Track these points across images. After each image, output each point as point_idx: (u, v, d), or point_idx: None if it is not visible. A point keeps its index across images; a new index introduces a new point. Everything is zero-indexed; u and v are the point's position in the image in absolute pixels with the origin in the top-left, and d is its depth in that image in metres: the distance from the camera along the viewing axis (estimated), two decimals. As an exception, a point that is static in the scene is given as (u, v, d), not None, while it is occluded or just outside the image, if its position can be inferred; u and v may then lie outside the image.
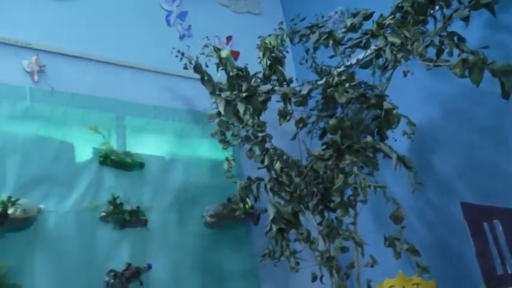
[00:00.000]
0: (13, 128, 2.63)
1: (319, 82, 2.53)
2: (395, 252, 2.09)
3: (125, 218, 2.72)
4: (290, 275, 3.12)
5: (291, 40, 2.62)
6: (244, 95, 2.37)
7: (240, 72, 2.54)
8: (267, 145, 2.47)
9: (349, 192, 2.37)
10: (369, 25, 2.42)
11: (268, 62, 2.50)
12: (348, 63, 2.63)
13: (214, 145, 3.20)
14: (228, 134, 2.59)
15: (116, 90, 3.05)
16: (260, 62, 2.58)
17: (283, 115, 2.43)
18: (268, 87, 2.52)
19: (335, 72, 2.44)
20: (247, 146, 2.64)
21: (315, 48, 2.56)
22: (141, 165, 2.92)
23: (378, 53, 2.37)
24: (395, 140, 2.39)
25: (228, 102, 2.42)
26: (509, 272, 1.91)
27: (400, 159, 2.16)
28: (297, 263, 2.33)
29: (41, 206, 2.53)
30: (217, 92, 2.69)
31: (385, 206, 2.24)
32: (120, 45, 3.19)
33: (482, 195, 2.37)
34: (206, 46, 2.72)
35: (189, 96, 3.31)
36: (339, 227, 2.41)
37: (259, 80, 2.53)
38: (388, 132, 2.47)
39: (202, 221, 3.02)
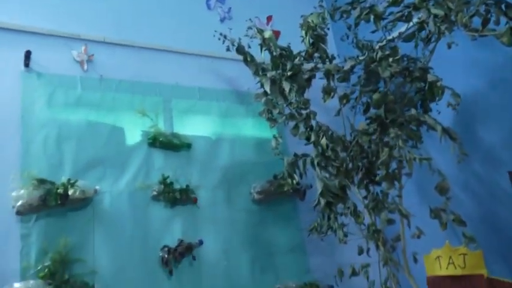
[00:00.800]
0: (67, 116, 2.79)
1: (361, 58, 2.54)
2: (442, 223, 2.11)
3: (175, 196, 2.85)
4: (336, 249, 3.20)
5: (332, 17, 2.63)
6: (289, 73, 2.41)
7: (284, 52, 2.58)
8: (312, 122, 2.51)
9: (393, 165, 2.39)
10: (410, -2, 2.41)
11: (311, 40, 2.53)
12: (390, 37, 2.62)
13: (258, 124, 3.30)
14: (275, 112, 2.65)
15: (161, 74, 3.16)
16: (302, 41, 2.61)
17: (327, 92, 2.46)
18: (311, 65, 2.55)
19: (377, 47, 2.44)
20: (291, 124, 2.71)
21: (356, 24, 2.56)
22: (188, 146, 3.03)
23: (421, 25, 2.36)
24: (439, 113, 2.39)
25: (273, 82, 2.47)
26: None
27: (445, 131, 2.17)
28: (345, 235, 2.39)
29: (97, 187, 2.68)
30: (260, 72, 2.74)
31: (430, 179, 2.25)
32: (163, 30, 3.29)
33: None
34: (250, 28, 2.77)
35: (231, 77, 3.39)
36: (385, 200, 2.44)
37: (302, 59, 2.56)
38: (432, 105, 2.47)
39: (250, 197, 3.13)
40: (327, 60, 2.59)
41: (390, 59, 2.27)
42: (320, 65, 2.53)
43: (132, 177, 2.83)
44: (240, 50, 2.85)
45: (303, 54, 2.59)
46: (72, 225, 2.58)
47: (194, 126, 3.13)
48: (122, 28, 3.15)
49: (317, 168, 2.26)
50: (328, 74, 2.51)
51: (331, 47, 3.06)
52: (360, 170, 2.56)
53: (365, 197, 2.64)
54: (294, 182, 2.55)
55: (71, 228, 2.56)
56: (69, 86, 2.84)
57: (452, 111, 2.39)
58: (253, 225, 3.10)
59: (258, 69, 2.80)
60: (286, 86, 2.39)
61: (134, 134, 2.94)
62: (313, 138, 2.36)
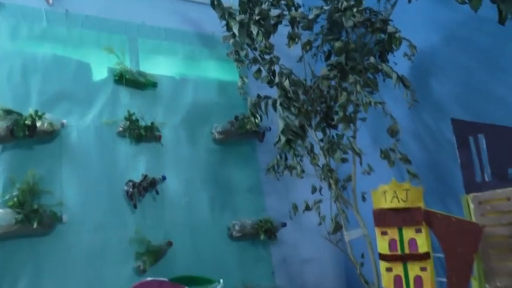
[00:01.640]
0: (32, 49, 2.78)
1: (326, 7, 2.67)
2: (390, 161, 2.36)
3: (140, 133, 2.94)
4: (291, 189, 3.43)
5: (298, -34, 2.72)
6: (257, 18, 2.51)
7: (252, -3, 2.66)
8: (275, 67, 2.65)
9: (350, 109, 2.58)
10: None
11: (278, -13, 2.62)
12: (354, -11, 2.75)
13: (221, 67, 3.40)
14: (242, 53, 2.75)
15: (127, 12, 3.16)
16: (270, -12, 2.70)
17: (292, 37, 2.58)
18: (278, 11, 2.65)
19: (342, -2, 2.57)
20: (254, 68, 2.83)
21: (322, -26, 2.67)
22: (153, 85, 3.10)
23: (384, -21, 2.50)
24: (396, 64, 2.58)
25: (242, 25, 2.56)
26: (486, 179, 2.19)
27: (400, 78, 2.37)
28: (303, 171, 2.59)
29: (64, 121, 2.73)
30: (226, 16, 2.81)
31: (382, 125, 2.47)
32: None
33: (472, 115, 2.56)
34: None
35: (197, 19, 3.43)
36: (340, 142, 2.65)
37: (270, 4, 2.65)
38: (390, 57, 2.66)
39: (211, 137, 3.27)
40: (293, 7, 2.70)
41: (354, 9, 2.40)
42: (286, 12, 2.64)
43: (98, 113, 2.89)
44: (207, -7, 2.90)
45: (271, 0, 2.68)
46: (40, 157, 2.64)
47: (159, 66, 3.19)
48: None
49: (279, 108, 2.41)
50: (293, 21, 2.62)
51: (297, -4, 3.16)
52: (318, 114, 2.74)
53: (321, 140, 2.85)
54: (257, 121, 2.70)
55: (38, 160, 2.62)
56: (34, 19, 2.81)
57: (408, 63, 2.61)
58: (214, 164, 3.26)
59: (225, 13, 2.87)
60: (254, 29, 2.49)
61: (100, 70, 2.97)
62: (277, 80, 2.50)
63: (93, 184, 2.76)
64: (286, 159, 2.83)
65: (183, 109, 3.21)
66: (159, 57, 3.22)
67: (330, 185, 2.83)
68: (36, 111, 2.60)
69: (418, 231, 2.19)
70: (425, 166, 2.80)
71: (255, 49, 2.79)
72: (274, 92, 2.70)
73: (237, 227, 3.19)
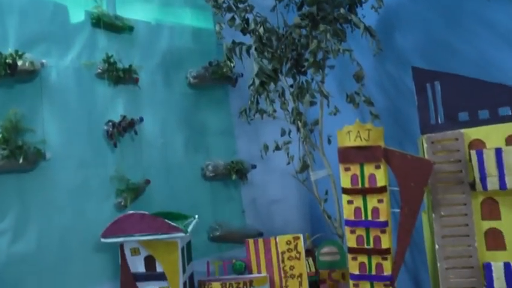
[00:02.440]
0: (7, -11, 2.78)
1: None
2: (354, 104, 2.58)
3: (118, 75, 3.04)
4: (261, 133, 3.63)
5: None
6: (233, -35, 2.62)
7: None
8: (250, 15, 2.79)
9: (320, 56, 2.76)
10: None
11: None
12: None
13: (196, 14, 3.50)
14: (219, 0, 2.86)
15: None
16: None
17: (267, -15, 2.71)
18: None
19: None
20: (228, 16, 2.95)
21: None
22: (130, 29, 3.18)
23: None
24: (364, 16, 2.76)
25: (219, -29, 2.67)
26: (439, 122, 2.44)
27: (367, 28, 2.56)
28: (275, 110, 2.78)
29: (44, 60, 2.78)
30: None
31: (349, 74, 2.67)
32: None
33: (431, 64, 2.75)
34: None
35: (173, -35, 3.47)
36: (309, 87, 2.84)
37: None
38: (358, 10, 2.84)
39: (186, 82, 3.40)
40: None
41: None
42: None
43: (77, 55, 2.96)
44: None
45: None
46: (21, 96, 2.71)
47: (136, 11, 3.25)
48: None
49: (254, 53, 2.57)
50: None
51: None
52: (289, 61, 2.91)
53: (291, 86, 3.04)
54: (232, 65, 2.85)
55: (20, 99, 2.70)
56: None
57: (375, 15, 2.80)
58: (188, 108, 3.41)
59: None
60: (231, -25, 2.60)
61: (78, 13, 3.01)
62: (252, 26, 2.64)
63: (74, 123, 2.87)
64: (258, 103, 3.01)
65: (159, 54, 3.31)
66: (135, 2, 3.27)
67: (298, 128, 3.05)
68: (16, 51, 2.65)
69: (378, 167, 2.44)
70: (387, 111, 3.04)
71: (229, -3, 2.92)
72: (247, 40, 2.85)
73: (210, 168, 3.39)
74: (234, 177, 3.42)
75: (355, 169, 2.48)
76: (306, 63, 2.73)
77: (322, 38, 2.62)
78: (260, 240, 3.01)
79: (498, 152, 2.23)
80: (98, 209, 2.89)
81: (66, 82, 2.89)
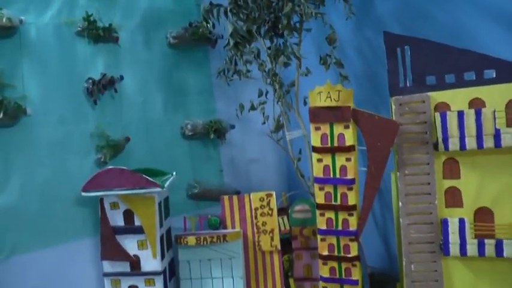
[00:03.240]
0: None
1: None
2: (326, 65, 2.66)
3: (98, 33, 3.06)
4: (239, 93, 3.68)
5: None
6: None
7: None
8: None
9: (296, 19, 2.82)
10: None
11: None
12: None
13: (176, -27, 3.50)
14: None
15: None
16: None
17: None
18: None
19: None
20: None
21: None
22: (110, -14, 3.18)
23: None
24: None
25: None
26: (408, 85, 2.54)
27: (341, -8, 2.62)
28: (248, 71, 2.85)
29: (22, 17, 2.80)
30: None
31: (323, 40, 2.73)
32: None
33: (404, 29, 2.84)
34: None
35: None
36: (285, 49, 2.91)
37: None
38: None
39: (166, 42, 3.43)
40: None
41: None
42: None
43: (57, 12, 2.97)
44: None
45: None
46: (0, 52, 2.74)
47: (116, -31, 3.25)
48: None
49: (229, 14, 2.62)
50: None
51: None
52: (267, 23, 2.97)
53: (269, 48, 3.10)
54: (209, 26, 2.90)
55: (-1, 56, 2.73)
56: None
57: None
58: (168, 68, 3.45)
59: None
60: None
61: (55, -31, 3.01)
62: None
63: (54, 80, 2.92)
64: (236, 64, 3.08)
65: (138, 14, 3.31)
66: (114, -38, 3.27)
67: (275, 90, 3.13)
68: (-8, 6, 2.67)
69: (347, 127, 2.54)
70: (363, 74, 3.13)
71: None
72: (225, 2, 2.90)
73: (189, 126, 3.47)
74: (212, 136, 3.51)
75: (325, 128, 2.59)
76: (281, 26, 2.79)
77: (297, 1, 2.67)
78: (235, 197, 3.13)
79: (460, 114, 2.34)
80: (78, 165, 2.97)
81: (45, 39, 2.91)
